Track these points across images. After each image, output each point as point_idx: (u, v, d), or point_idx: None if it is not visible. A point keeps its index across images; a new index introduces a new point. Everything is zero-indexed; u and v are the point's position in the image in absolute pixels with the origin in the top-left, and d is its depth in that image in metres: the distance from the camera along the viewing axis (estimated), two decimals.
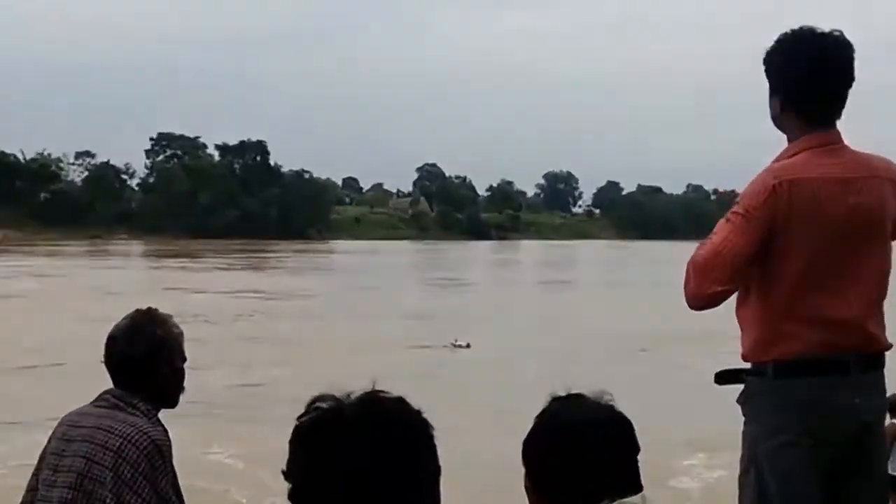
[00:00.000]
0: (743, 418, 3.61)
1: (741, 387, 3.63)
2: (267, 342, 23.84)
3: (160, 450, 3.42)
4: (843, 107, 3.60)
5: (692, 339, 23.20)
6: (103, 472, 3.35)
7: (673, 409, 15.45)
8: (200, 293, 36.09)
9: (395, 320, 29.07)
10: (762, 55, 3.63)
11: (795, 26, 3.61)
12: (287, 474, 1.79)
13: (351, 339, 23.09)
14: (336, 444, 1.74)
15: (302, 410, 1.80)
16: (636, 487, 2.34)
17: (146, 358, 3.52)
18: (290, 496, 1.78)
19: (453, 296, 39.84)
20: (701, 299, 3.49)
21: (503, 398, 15.67)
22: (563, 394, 2.43)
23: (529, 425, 2.46)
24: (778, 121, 3.64)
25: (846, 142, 3.61)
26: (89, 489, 3.36)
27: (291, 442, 1.80)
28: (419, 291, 41.59)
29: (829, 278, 3.48)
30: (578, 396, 2.41)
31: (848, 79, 3.57)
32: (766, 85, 3.64)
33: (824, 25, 3.57)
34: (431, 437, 1.80)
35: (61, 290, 36.60)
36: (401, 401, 1.81)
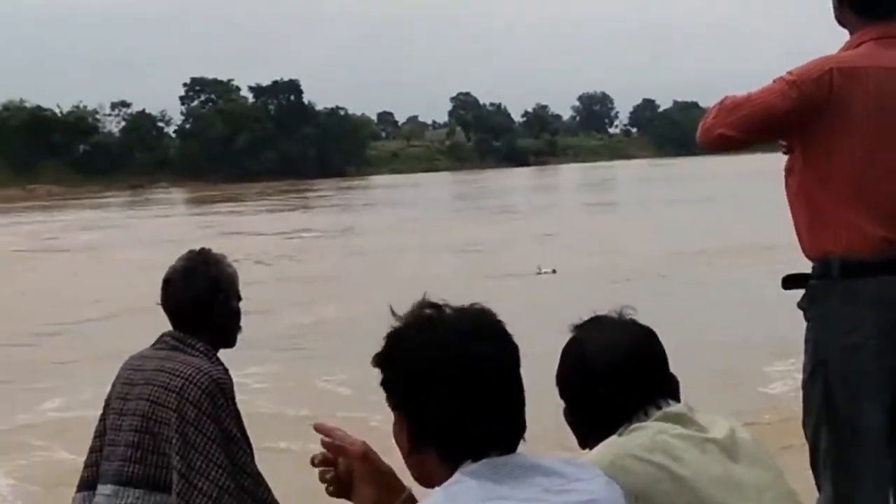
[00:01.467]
0: (806, 322, 3.52)
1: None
2: (334, 280, 23.71)
3: (222, 388, 3.46)
4: None
5: (752, 251, 23.04)
6: (167, 414, 3.40)
7: (751, 318, 15.23)
8: (257, 235, 36.05)
9: (456, 252, 28.83)
10: None
11: None
12: (384, 384, 1.87)
13: (422, 272, 22.69)
14: (431, 351, 1.79)
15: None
16: (674, 397, 2.33)
17: (202, 298, 3.57)
18: (384, 384, 1.87)
19: (505, 224, 39.53)
20: (708, 135, 3.51)
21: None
22: (583, 319, 2.42)
23: None
24: (838, 16, 3.59)
25: None
26: (155, 430, 3.42)
27: (386, 349, 1.86)
28: (471, 221, 41.32)
29: (894, 171, 3.39)
30: (598, 318, 2.41)
31: None
32: None
33: None
34: (513, 349, 1.85)
35: (120, 241, 36.77)
36: (491, 313, 1.87)
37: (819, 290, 3.46)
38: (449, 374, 1.78)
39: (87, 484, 3.64)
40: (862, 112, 3.35)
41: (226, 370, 3.59)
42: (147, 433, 3.44)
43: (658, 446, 2.15)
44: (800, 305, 3.54)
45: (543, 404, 2.51)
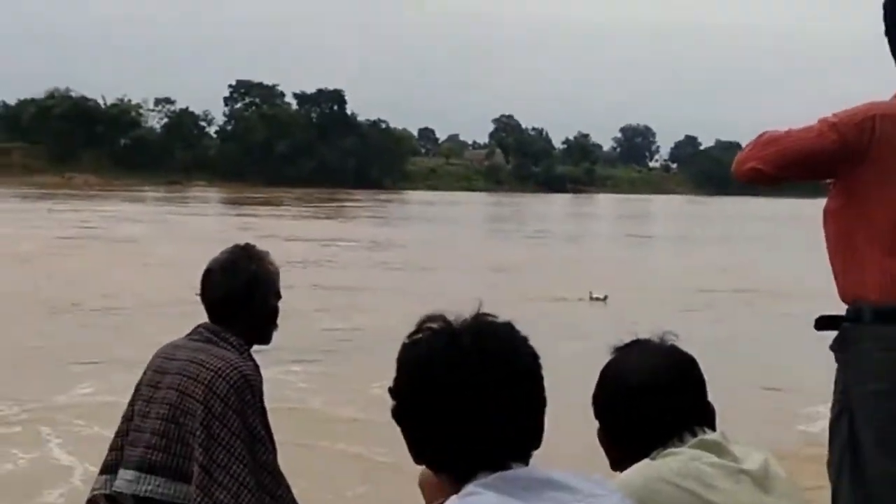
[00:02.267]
0: (836, 364, 3.49)
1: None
2: (371, 290, 23.67)
3: (250, 384, 3.45)
4: None
5: (793, 293, 22.91)
6: (194, 405, 3.40)
7: (797, 359, 15.08)
8: (294, 240, 36.09)
9: (495, 271, 28.68)
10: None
11: None
12: (393, 392, 1.83)
13: (460, 289, 22.59)
14: (445, 365, 1.75)
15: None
16: (711, 425, 2.31)
17: (240, 293, 3.56)
18: (395, 413, 1.83)
19: (544, 248, 39.48)
20: (741, 167, 3.47)
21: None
22: (624, 342, 2.41)
23: None
24: None
25: None
26: (181, 421, 3.43)
27: (399, 360, 1.82)
28: (511, 243, 41.29)
29: None
30: (639, 342, 2.39)
31: None
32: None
33: None
34: (538, 365, 1.81)
35: (160, 235, 37.13)
36: (510, 326, 1.82)
37: (850, 333, 3.42)
38: (454, 386, 1.75)
39: (111, 467, 3.64)
40: None
41: (256, 366, 3.58)
42: (173, 422, 3.45)
43: (691, 473, 2.13)
44: (831, 348, 3.49)
45: (580, 423, 2.43)
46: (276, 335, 3.73)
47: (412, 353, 1.81)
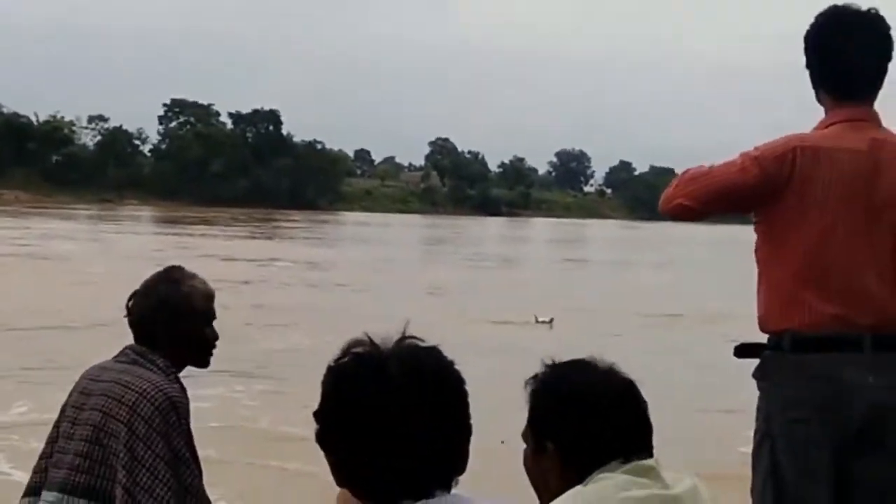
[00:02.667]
0: (758, 392, 3.60)
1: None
2: (309, 310, 23.56)
3: (175, 406, 3.43)
4: (874, 84, 3.57)
5: (738, 316, 23.06)
6: (118, 427, 3.37)
7: (736, 381, 15.20)
8: (232, 260, 35.88)
9: (432, 294, 28.68)
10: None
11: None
12: (318, 416, 1.80)
13: (394, 311, 22.52)
14: (371, 390, 1.72)
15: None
16: (649, 451, 2.27)
17: (159, 315, 3.54)
18: (318, 437, 1.80)
19: (482, 270, 39.60)
20: (668, 204, 3.61)
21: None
22: (556, 360, 2.35)
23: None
24: (816, 96, 3.64)
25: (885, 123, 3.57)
26: (105, 443, 3.40)
27: (324, 384, 1.80)
28: (448, 266, 41.29)
29: (847, 251, 3.43)
30: (578, 362, 2.35)
31: (875, 55, 3.53)
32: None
33: (867, 3, 3.54)
34: (465, 391, 1.79)
35: (98, 254, 36.74)
36: (437, 350, 1.80)
37: (771, 362, 3.52)
38: (379, 412, 1.73)
39: (34, 489, 3.60)
40: (821, 192, 3.40)
41: (183, 388, 3.55)
42: (97, 444, 3.42)
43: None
44: (754, 375, 3.59)
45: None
46: (218, 354, 3.69)
47: (337, 378, 1.78)
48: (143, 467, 3.33)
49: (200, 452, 3.58)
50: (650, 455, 2.25)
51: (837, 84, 3.55)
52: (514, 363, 14.64)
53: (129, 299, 3.63)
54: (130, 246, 40.39)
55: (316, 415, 1.81)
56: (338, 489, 1.91)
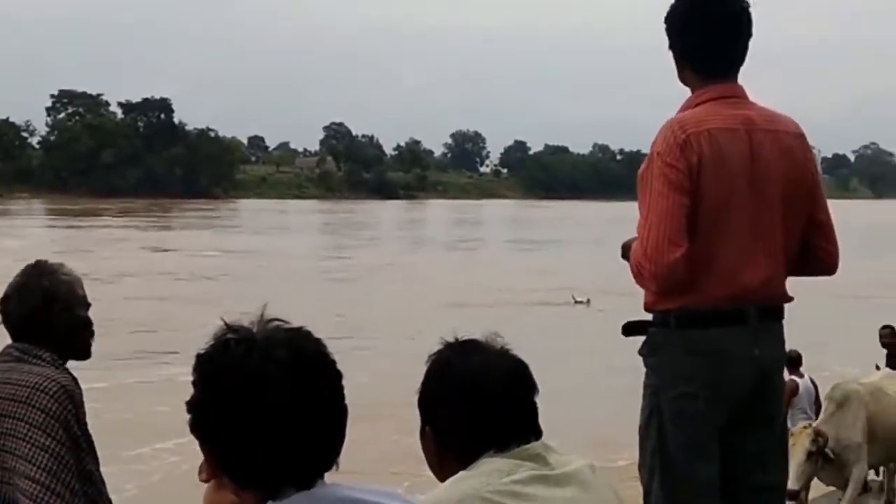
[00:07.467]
0: (645, 369, 3.60)
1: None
2: (221, 298, 23.26)
3: (70, 395, 3.36)
4: (739, 59, 3.58)
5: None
6: (15, 424, 3.29)
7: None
8: (162, 252, 35.37)
9: (326, 280, 28.53)
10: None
11: None
12: (192, 405, 1.73)
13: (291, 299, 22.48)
14: (244, 374, 1.67)
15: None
16: (537, 433, 2.25)
17: (37, 311, 3.47)
18: (193, 426, 1.73)
19: (375, 253, 39.33)
20: (664, 267, 3.33)
21: None
22: (453, 339, 2.30)
23: None
24: (679, 74, 3.63)
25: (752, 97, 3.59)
26: (1, 443, 3.31)
27: (199, 372, 1.73)
28: (343, 248, 41.08)
29: (735, 232, 3.43)
30: (472, 342, 2.30)
31: (737, 32, 3.56)
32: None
33: None
34: (338, 371, 1.74)
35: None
36: (305, 330, 1.75)
37: (658, 338, 3.53)
38: (259, 399, 1.67)
39: None
40: (707, 173, 3.38)
41: (74, 379, 3.47)
42: None
43: (508, 489, 2.08)
44: (640, 352, 3.59)
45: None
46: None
47: (213, 365, 1.72)
48: (47, 453, 3.28)
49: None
50: (538, 438, 2.24)
51: (703, 62, 3.54)
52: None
53: (3, 303, 3.54)
54: (23, 242, 39.34)
55: (189, 404, 1.74)
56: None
